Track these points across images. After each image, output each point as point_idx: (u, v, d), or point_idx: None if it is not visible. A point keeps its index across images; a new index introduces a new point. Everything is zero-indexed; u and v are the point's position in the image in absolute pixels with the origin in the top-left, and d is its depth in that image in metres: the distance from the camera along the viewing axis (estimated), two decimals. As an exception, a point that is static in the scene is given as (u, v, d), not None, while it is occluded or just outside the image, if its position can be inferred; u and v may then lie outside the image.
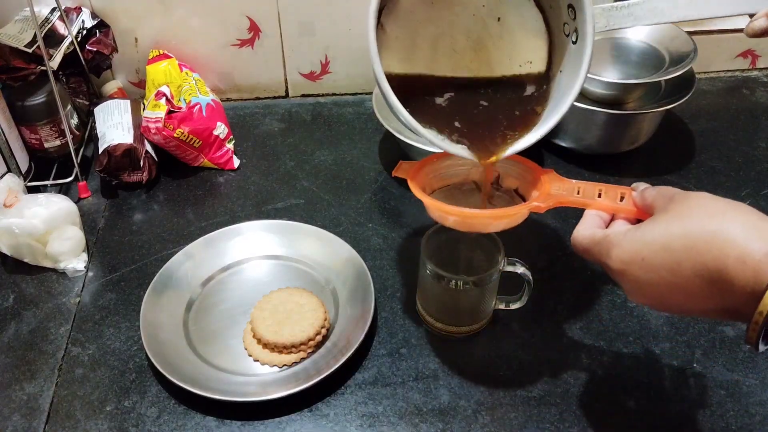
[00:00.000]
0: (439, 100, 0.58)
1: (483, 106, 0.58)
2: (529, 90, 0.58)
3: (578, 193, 0.54)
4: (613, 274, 0.47)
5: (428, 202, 0.56)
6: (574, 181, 0.56)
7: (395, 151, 0.88)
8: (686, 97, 0.81)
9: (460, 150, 0.55)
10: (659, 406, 0.60)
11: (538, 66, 0.58)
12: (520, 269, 0.62)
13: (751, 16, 0.53)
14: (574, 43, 0.54)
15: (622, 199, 0.52)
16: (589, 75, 0.79)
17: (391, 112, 0.84)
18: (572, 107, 0.80)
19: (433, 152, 0.64)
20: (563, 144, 0.87)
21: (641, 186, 0.51)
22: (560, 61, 0.57)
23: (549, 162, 0.87)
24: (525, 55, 0.58)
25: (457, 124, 0.57)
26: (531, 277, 0.62)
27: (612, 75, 0.83)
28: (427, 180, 0.61)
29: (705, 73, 1.04)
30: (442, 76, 0.59)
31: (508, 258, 0.62)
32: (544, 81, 0.58)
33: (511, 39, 0.58)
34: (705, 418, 0.59)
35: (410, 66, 0.57)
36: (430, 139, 0.53)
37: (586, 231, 0.50)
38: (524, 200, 0.59)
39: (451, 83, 0.59)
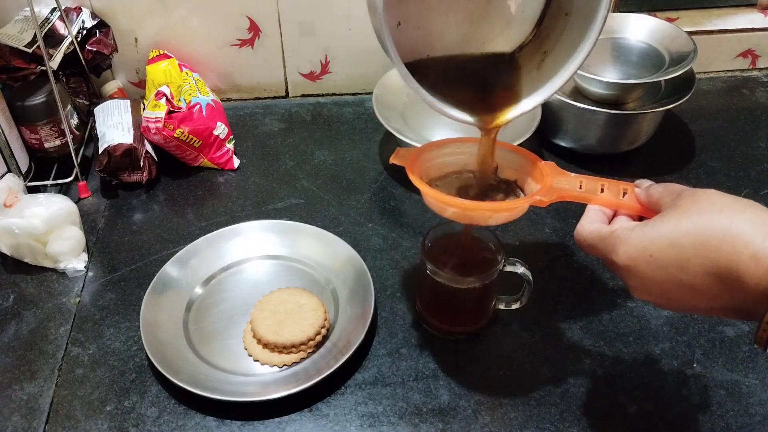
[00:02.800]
0: (436, 65, 0.55)
1: (480, 63, 0.56)
2: (525, 31, 0.55)
3: (580, 187, 0.53)
4: (619, 271, 0.46)
5: (427, 191, 0.54)
6: (574, 174, 0.54)
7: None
8: (686, 97, 0.81)
9: (462, 115, 0.53)
10: (659, 406, 0.60)
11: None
12: (520, 269, 0.62)
13: None
14: None
15: (624, 195, 0.51)
16: (589, 75, 0.80)
17: (390, 114, 0.84)
18: (572, 107, 0.81)
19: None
20: (563, 144, 0.87)
21: (645, 183, 0.50)
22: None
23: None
24: None
25: (455, 85, 0.55)
26: (531, 277, 0.62)
27: (612, 75, 0.83)
28: (425, 168, 0.59)
29: (705, 73, 1.04)
30: (440, 51, 0.55)
31: (508, 258, 0.62)
32: (540, 20, 0.54)
33: None
34: (705, 418, 0.59)
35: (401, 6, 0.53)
36: (430, 103, 0.51)
37: (590, 226, 0.49)
38: (523, 192, 0.58)
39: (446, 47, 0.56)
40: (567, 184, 0.54)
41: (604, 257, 0.47)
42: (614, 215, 0.51)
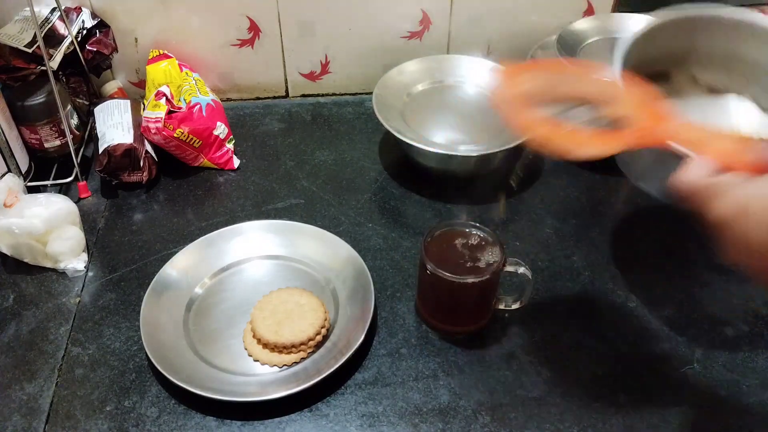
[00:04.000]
0: None
1: None
2: None
3: (693, 134, 0.47)
4: (718, 224, 0.43)
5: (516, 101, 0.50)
6: (687, 121, 0.48)
7: (395, 151, 0.88)
8: (686, 97, 0.80)
9: None
10: (659, 406, 0.60)
11: None
12: (520, 269, 0.62)
13: None
14: None
15: (745, 152, 0.45)
16: (589, 75, 0.80)
17: (390, 114, 0.84)
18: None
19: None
20: (563, 144, 0.87)
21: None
22: None
23: (549, 162, 0.86)
24: None
25: None
26: (531, 277, 0.62)
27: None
28: (523, 89, 0.53)
29: (705, 73, 1.04)
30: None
31: (508, 258, 0.62)
32: None
33: None
34: (705, 418, 0.59)
35: None
36: None
37: (690, 174, 0.45)
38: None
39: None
40: (680, 129, 0.48)
41: (705, 207, 0.44)
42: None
